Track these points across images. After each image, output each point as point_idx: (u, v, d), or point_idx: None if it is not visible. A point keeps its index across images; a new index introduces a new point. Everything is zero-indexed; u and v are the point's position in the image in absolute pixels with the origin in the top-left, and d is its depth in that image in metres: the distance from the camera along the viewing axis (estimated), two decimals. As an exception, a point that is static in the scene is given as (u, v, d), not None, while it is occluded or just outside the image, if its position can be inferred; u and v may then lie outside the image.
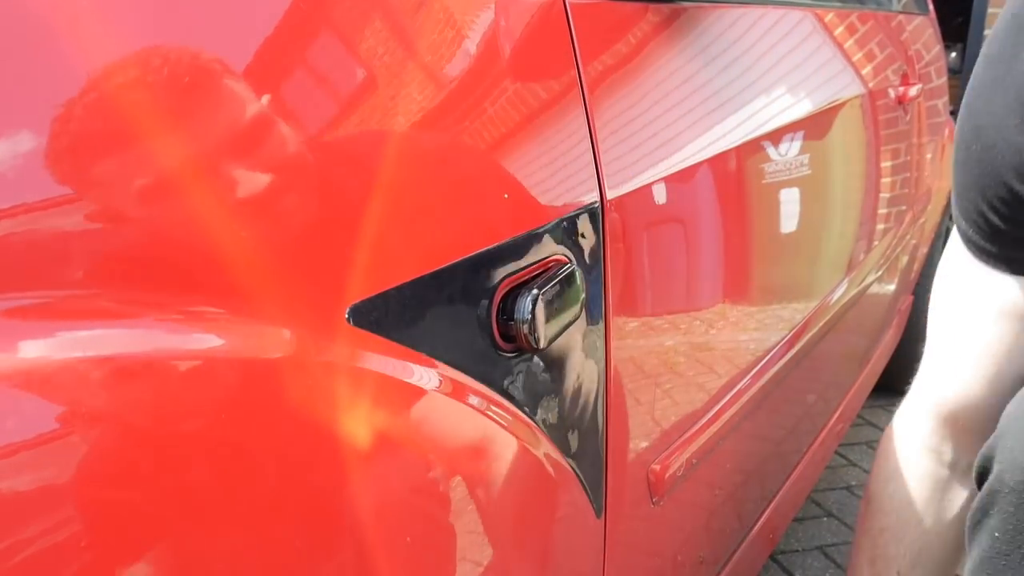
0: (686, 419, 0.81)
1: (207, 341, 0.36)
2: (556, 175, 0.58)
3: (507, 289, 0.52)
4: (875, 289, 1.53)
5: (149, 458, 0.33)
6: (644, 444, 0.73)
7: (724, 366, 0.89)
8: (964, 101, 0.73)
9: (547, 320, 0.53)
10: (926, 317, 0.91)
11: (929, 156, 1.78)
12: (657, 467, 0.75)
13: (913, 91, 1.56)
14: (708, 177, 0.80)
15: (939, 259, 0.88)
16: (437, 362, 0.47)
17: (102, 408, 0.32)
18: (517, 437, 0.53)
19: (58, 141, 0.33)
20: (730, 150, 0.84)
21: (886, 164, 1.46)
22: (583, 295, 0.58)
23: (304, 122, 0.41)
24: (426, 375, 0.46)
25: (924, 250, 1.97)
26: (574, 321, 0.57)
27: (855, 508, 1.72)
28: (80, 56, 0.34)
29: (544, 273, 0.55)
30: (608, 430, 0.65)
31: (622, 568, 0.71)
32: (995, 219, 0.70)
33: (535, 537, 0.58)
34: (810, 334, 1.13)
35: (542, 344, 0.53)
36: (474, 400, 0.50)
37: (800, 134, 1.01)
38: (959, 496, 0.91)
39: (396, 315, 0.45)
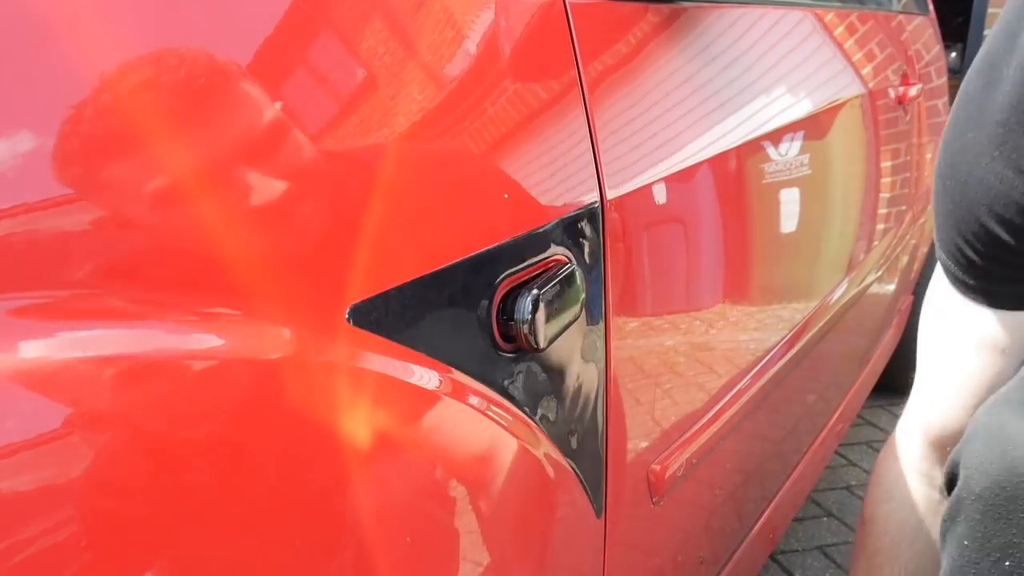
0: (686, 419, 0.81)
1: (207, 341, 0.36)
2: (556, 175, 0.58)
3: (507, 289, 0.52)
4: (875, 289, 1.53)
5: (149, 458, 0.33)
6: (644, 444, 0.73)
7: (724, 366, 0.89)
8: (942, 136, 0.74)
9: (547, 320, 0.53)
10: None
11: (929, 156, 1.78)
12: (657, 467, 0.75)
13: (913, 91, 1.56)
14: (708, 177, 0.81)
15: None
16: (437, 362, 0.47)
17: (102, 408, 0.32)
18: (517, 437, 0.53)
19: (64, 142, 0.33)
20: (730, 150, 0.84)
21: (886, 164, 1.46)
22: (583, 295, 0.58)
23: (304, 122, 0.41)
24: (426, 375, 0.46)
25: (924, 250, 1.97)
26: (574, 321, 0.57)
27: (855, 508, 1.72)
28: (86, 59, 0.34)
29: (544, 273, 0.55)
30: (608, 430, 0.65)
31: (622, 568, 0.71)
32: (971, 253, 0.71)
33: (535, 537, 0.58)
34: (810, 334, 1.13)
35: (542, 344, 0.53)
36: (474, 400, 0.50)
37: (800, 134, 1.01)
38: None
39: (396, 315, 0.45)
